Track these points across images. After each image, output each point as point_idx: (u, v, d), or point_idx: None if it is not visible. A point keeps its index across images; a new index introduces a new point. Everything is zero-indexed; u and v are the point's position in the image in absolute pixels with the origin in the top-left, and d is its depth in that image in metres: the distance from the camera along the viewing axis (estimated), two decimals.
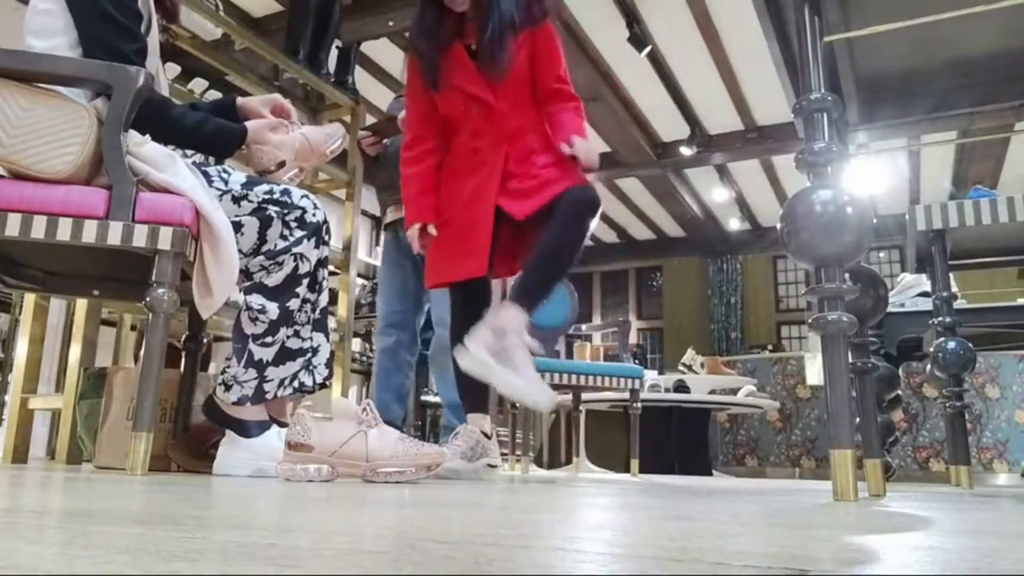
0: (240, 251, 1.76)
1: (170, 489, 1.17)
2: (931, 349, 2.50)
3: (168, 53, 3.33)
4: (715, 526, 0.77)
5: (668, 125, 7.55)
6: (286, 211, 1.82)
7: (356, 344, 6.82)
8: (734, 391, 5.65)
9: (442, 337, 2.86)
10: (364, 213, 8.15)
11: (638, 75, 6.61)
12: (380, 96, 6.30)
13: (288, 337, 1.86)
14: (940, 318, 2.46)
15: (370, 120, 3.85)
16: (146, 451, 1.54)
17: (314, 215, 1.86)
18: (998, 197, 2.41)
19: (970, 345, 2.43)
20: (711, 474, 5.51)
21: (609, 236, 10.78)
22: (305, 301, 1.88)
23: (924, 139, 5.20)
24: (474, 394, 2.25)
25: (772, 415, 6.67)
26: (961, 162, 7.60)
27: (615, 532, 0.70)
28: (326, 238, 1.93)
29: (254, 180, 1.84)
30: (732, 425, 6.96)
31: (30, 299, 2.74)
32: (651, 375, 5.44)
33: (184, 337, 2.26)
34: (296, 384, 1.88)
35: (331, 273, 2.12)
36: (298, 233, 1.83)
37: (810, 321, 1.41)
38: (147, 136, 1.67)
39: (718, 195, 9.10)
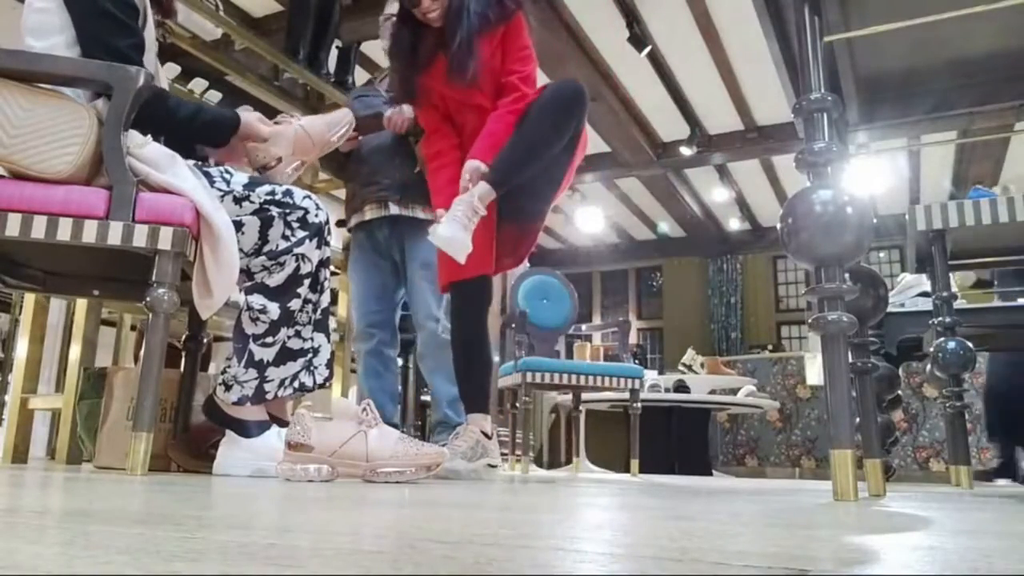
0: (242, 251, 1.76)
1: (170, 489, 1.17)
2: (931, 349, 2.50)
3: (168, 53, 3.34)
4: (715, 526, 0.77)
5: (668, 125, 7.54)
6: (288, 211, 1.82)
7: None
8: (734, 391, 5.65)
9: (433, 332, 2.78)
10: None
11: (638, 75, 6.61)
12: None
13: (289, 337, 1.86)
14: (940, 318, 2.46)
15: None
16: (146, 451, 1.54)
17: (316, 216, 1.86)
18: (998, 197, 2.42)
19: (970, 345, 2.43)
20: (711, 474, 5.51)
21: (609, 236, 10.78)
22: (307, 301, 1.88)
23: (924, 139, 5.20)
24: (475, 394, 2.25)
25: (772, 415, 6.67)
26: (961, 162, 7.59)
27: (615, 532, 0.70)
28: (328, 239, 1.93)
29: (256, 181, 1.84)
30: (732, 425, 6.96)
31: (30, 299, 2.75)
32: (651, 375, 5.45)
33: (184, 337, 2.26)
34: (296, 384, 1.88)
35: (332, 273, 2.11)
36: (300, 233, 1.83)
37: (810, 321, 1.41)
38: (148, 137, 1.67)
39: (718, 195, 9.09)
